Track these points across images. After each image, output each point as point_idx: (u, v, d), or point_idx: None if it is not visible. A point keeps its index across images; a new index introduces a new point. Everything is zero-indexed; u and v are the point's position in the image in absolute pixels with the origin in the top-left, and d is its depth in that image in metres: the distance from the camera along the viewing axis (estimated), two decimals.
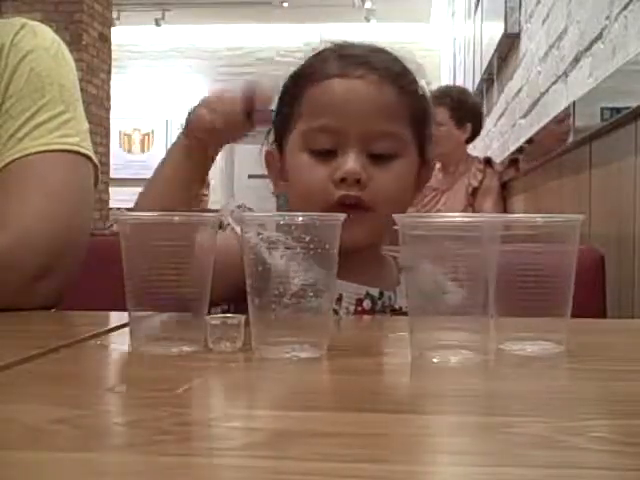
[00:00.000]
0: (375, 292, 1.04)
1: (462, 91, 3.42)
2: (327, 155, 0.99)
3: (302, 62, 1.07)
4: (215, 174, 10.77)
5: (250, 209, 1.01)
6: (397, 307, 1.04)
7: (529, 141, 2.88)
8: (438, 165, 3.24)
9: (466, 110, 3.18)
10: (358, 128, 0.98)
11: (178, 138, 1.06)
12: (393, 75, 1.01)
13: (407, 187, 1.04)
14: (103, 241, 1.37)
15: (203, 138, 1.03)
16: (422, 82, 1.06)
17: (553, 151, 2.39)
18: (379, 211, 0.98)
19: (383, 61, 1.02)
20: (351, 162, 0.97)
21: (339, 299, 1.01)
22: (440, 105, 3.08)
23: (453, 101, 3.14)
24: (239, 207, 1.02)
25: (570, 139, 2.09)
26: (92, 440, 0.45)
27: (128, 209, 0.85)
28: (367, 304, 1.03)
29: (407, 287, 0.69)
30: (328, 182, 0.98)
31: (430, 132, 1.07)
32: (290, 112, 1.04)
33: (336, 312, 1.00)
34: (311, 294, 0.66)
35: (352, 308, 1.02)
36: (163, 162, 1.07)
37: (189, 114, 1.04)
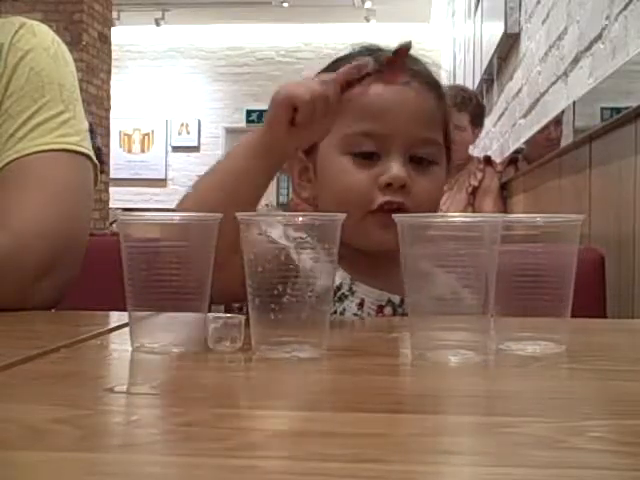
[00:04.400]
0: (396, 299, 1.03)
1: (475, 93, 3.42)
2: (370, 159, 1.00)
3: (329, 65, 1.05)
4: None
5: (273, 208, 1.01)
6: None
7: (527, 143, 2.89)
8: None
9: (481, 113, 3.20)
10: (404, 134, 0.99)
11: (253, 132, 0.88)
12: (433, 83, 1.04)
13: (441, 193, 1.06)
14: (103, 241, 1.37)
15: (281, 131, 0.83)
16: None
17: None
18: None
19: (424, 69, 1.05)
20: (397, 167, 0.98)
21: (361, 304, 1.01)
22: (462, 111, 3.09)
23: (474, 106, 3.15)
24: (266, 206, 1.02)
25: (570, 140, 2.09)
26: (92, 440, 0.45)
27: (127, 209, 0.82)
28: (388, 311, 1.03)
29: (407, 287, 0.69)
30: (372, 186, 0.98)
31: (451, 138, 1.09)
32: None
33: (358, 317, 1.00)
34: (330, 297, 0.66)
35: (373, 314, 1.02)
36: (229, 156, 0.92)
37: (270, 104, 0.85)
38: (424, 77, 1.03)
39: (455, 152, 3.47)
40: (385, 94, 1.00)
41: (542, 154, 2.60)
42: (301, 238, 0.67)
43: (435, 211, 1.04)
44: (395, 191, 0.98)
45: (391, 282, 1.02)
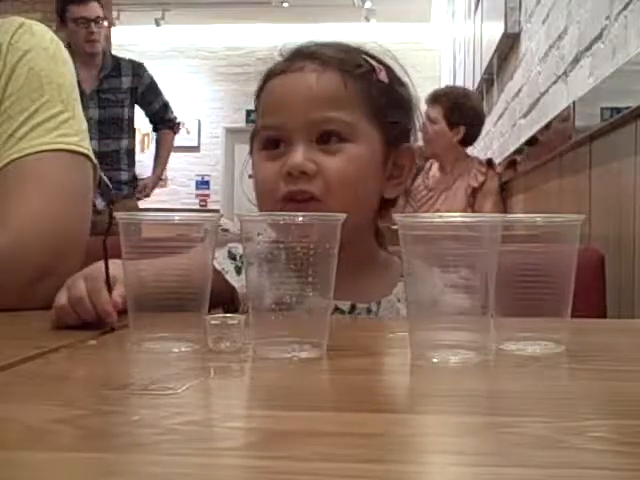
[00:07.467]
0: (345, 306, 1.00)
1: (463, 94, 3.39)
2: (277, 151, 0.99)
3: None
4: (215, 175, 10.78)
5: (226, 230, 1.00)
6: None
7: (528, 143, 2.88)
8: (435, 164, 3.24)
9: (461, 112, 3.17)
10: (299, 120, 0.97)
11: None
12: (335, 61, 1.00)
13: (363, 171, 0.99)
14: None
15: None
16: (385, 75, 1.02)
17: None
18: (332, 201, 0.95)
19: (327, 50, 1.02)
20: (295, 155, 0.96)
21: None
22: (436, 103, 3.12)
23: (449, 101, 3.15)
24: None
25: (570, 139, 2.09)
26: (92, 440, 0.45)
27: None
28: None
29: (407, 287, 0.69)
30: (278, 178, 0.97)
31: (402, 120, 1.04)
32: (256, 114, 1.06)
33: None
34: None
35: None
36: None
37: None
38: (324, 57, 1.00)
39: (430, 143, 3.44)
40: (278, 85, 1.01)
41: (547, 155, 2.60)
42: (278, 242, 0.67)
43: (358, 191, 0.99)
44: (297, 179, 0.96)
45: (339, 288, 0.87)
